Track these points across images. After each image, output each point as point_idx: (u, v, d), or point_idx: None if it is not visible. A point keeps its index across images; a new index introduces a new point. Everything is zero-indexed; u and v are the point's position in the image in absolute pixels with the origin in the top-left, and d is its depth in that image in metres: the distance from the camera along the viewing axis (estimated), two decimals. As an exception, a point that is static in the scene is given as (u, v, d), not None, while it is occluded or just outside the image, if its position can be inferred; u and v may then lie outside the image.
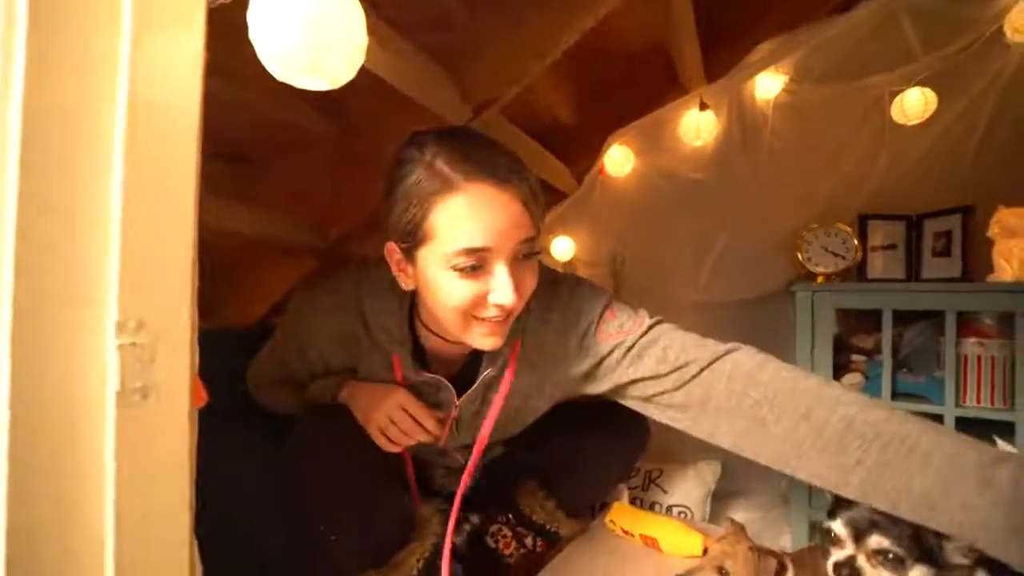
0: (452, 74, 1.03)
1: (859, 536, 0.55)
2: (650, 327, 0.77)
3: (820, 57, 1.44)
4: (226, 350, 0.60)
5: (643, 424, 1.01)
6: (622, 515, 1.27)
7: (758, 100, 1.52)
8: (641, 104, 1.58)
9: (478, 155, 0.66)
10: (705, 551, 1.12)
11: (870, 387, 1.46)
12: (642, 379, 0.76)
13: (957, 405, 1.34)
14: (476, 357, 0.85)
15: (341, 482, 0.78)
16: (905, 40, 1.36)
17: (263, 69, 0.47)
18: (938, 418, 1.35)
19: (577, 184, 1.73)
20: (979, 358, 1.34)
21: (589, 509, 1.19)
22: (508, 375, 0.81)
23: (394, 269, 0.74)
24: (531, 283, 0.72)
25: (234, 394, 1.00)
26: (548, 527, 1.11)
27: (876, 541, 0.54)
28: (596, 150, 1.65)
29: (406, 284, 0.74)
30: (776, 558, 0.95)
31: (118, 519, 0.36)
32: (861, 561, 0.54)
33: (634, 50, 1.45)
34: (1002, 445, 0.73)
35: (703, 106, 1.49)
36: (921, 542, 0.52)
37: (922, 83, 1.36)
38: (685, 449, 1.65)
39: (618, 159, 1.62)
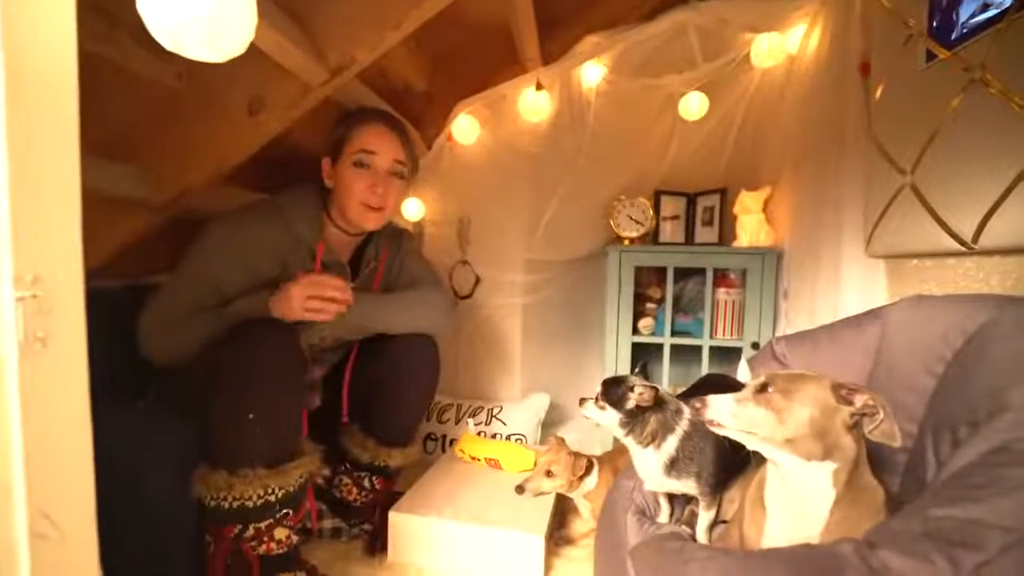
0: (308, 33, 1.02)
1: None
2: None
3: (631, 56, 1.71)
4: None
5: (433, 360, 1.29)
6: (469, 444, 1.47)
7: (584, 86, 1.76)
8: (486, 78, 1.71)
9: (382, 111, 1.28)
10: (536, 464, 1.36)
11: (657, 327, 1.86)
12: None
13: (711, 337, 1.79)
14: (358, 254, 1.30)
15: (277, 378, 0.96)
16: (691, 50, 1.69)
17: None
18: (699, 348, 1.79)
19: (427, 149, 1.80)
20: (725, 303, 1.80)
21: (409, 437, 1.32)
22: (381, 264, 1.32)
23: (324, 175, 1.22)
24: (396, 197, 1.23)
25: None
26: (377, 463, 1.26)
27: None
28: (445, 118, 1.74)
29: (329, 183, 1.21)
30: (586, 459, 1.23)
31: (27, 462, 0.39)
32: None
33: (481, 27, 1.55)
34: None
35: (539, 86, 1.67)
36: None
37: (701, 88, 1.72)
38: (520, 389, 1.90)
39: (465, 128, 1.74)
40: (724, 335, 1.80)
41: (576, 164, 1.83)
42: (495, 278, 1.88)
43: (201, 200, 1.29)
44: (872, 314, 0.97)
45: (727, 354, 1.81)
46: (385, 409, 1.26)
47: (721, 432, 0.64)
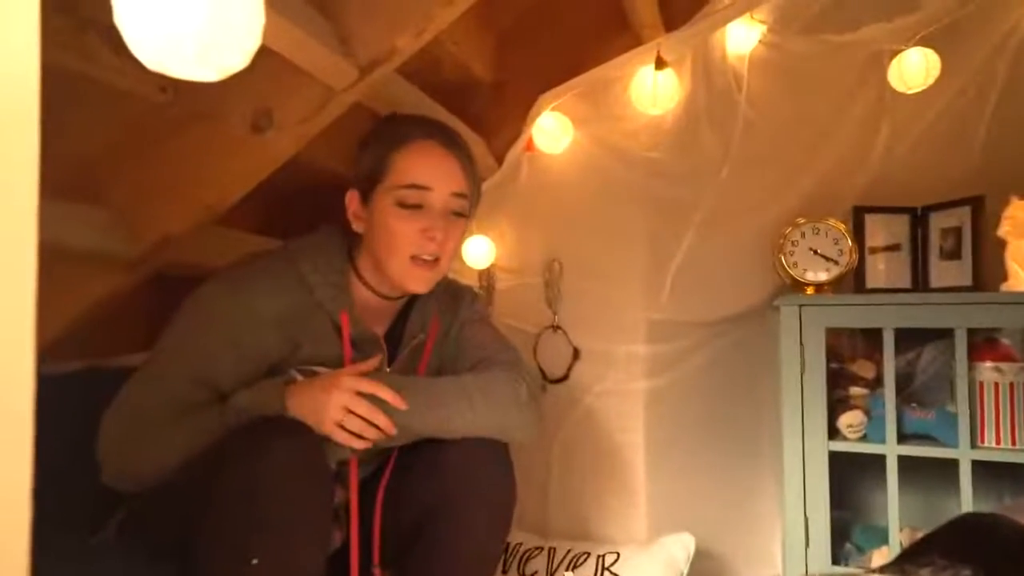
0: (332, 21, 1.05)
1: None
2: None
3: (805, 3, 1.60)
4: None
5: (507, 481, 1.21)
6: (567, 620, 1.33)
7: (730, 56, 1.67)
8: (579, 58, 1.66)
9: (430, 123, 1.26)
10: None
11: (871, 428, 1.62)
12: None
13: (973, 446, 1.52)
14: (398, 323, 1.31)
15: (294, 505, 0.96)
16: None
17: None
18: (952, 463, 1.53)
19: (497, 165, 1.77)
20: (997, 387, 1.53)
21: None
22: (431, 338, 1.32)
23: (350, 215, 1.21)
24: (454, 241, 1.23)
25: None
26: None
27: None
28: (522, 117, 1.70)
29: (358, 227, 1.21)
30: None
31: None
32: None
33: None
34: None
35: (660, 63, 1.58)
36: None
37: (923, 42, 1.55)
38: (648, 526, 1.77)
39: (551, 130, 1.67)
40: (997, 442, 1.53)
41: (721, 174, 1.73)
42: (602, 351, 1.79)
43: (190, 251, 1.34)
44: None
45: (1005, 473, 1.56)
46: (434, 554, 1.18)
47: None
